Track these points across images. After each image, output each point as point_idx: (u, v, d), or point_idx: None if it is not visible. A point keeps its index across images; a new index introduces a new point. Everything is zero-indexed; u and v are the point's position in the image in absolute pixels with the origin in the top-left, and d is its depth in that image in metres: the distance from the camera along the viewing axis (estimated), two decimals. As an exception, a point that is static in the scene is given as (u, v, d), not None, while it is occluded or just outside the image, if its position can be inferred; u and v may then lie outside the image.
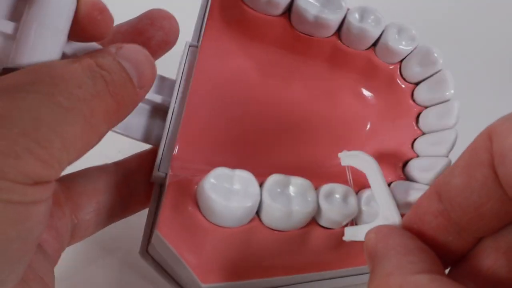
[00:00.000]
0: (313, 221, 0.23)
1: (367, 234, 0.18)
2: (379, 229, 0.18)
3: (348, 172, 0.23)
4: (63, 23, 0.21)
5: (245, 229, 0.23)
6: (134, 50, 0.22)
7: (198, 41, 0.28)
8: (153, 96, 0.28)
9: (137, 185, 0.28)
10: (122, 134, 0.29)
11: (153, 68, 0.23)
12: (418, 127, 0.26)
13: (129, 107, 0.22)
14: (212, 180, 0.22)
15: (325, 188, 0.22)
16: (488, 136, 0.16)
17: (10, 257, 0.17)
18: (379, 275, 0.16)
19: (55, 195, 0.25)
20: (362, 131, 0.27)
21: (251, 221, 0.23)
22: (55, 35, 0.21)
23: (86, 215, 0.26)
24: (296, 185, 0.22)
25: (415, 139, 0.26)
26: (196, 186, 0.23)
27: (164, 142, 0.26)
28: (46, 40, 0.20)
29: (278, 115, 0.28)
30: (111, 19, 0.22)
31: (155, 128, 0.30)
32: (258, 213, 0.23)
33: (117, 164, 0.28)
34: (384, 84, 0.28)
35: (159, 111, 0.30)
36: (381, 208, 0.21)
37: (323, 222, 0.23)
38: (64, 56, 0.22)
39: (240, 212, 0.22)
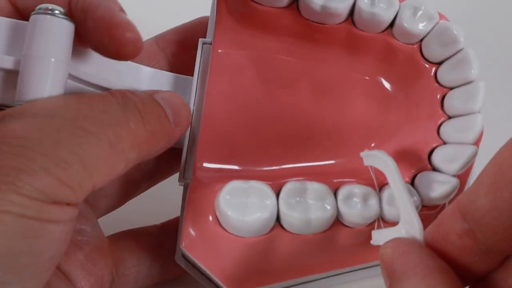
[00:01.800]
0: (337, 221, 0.23)
1: (383, 247, 0.18)
2: (397, 243, 0.18)
3: (372, 172, 0.22)
4: (64, 53, 0.21)
5: (268, 237, 0.23)
6: (169, 93, 0.23)
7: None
8: None
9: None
10: None
11: (188, 111, 0.23)
12: (443, 110, 0.25)
13: (162, 140, 0.22)
14: (227, 196, 0.21)
15: (343, 191, 0.22)
16: None
17: (19, 270, 0.17)
18: None
19: (101, 246, 0.25)
20: (384, 124, 0.26)
21: (272, 229, 0.23)
22: (58, 67, 0.21)
23: (126, 270, 0.26)
24: (313, 191, 0.22)
25: (440, 125, 0.24)
26: (215, 199, 0.23)
27: (186, 145, 0.26)
28: (49, 73, 0.21)
29: (290, 122, 0.27)
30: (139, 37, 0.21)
31: None
32: (278, 220, 0.23)
33: (159, 227, 0.29)
34: (405, 66, 0.26)
35: None
36: (401, 212, 0.20)
37: (346, 223, 0.23)
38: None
39: (258, 225, 0.22)
